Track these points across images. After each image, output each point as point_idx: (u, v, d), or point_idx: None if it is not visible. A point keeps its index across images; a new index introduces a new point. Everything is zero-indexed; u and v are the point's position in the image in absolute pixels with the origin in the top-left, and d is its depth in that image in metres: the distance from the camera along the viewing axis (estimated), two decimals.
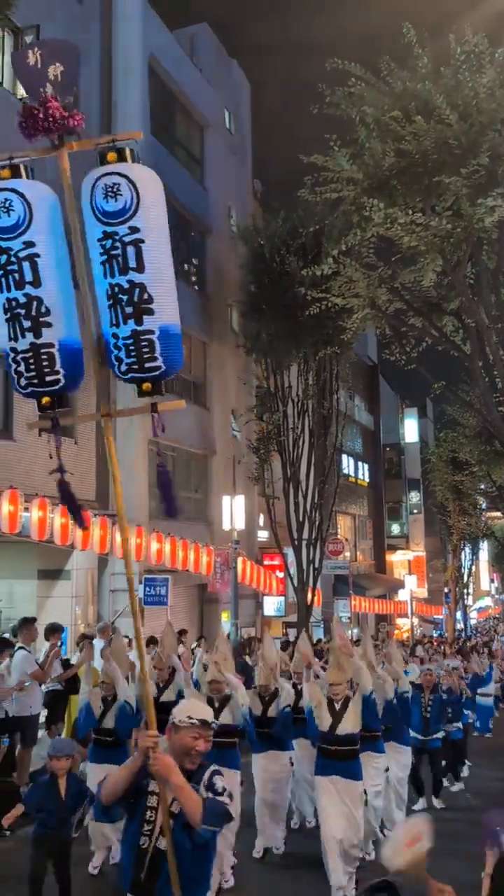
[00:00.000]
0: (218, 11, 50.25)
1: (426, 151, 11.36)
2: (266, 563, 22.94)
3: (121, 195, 3.43)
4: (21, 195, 3.47)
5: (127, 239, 3.43)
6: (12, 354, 3.56)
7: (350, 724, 6.77)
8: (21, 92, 15.20)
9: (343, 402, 23.98)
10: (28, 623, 9.89)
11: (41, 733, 9.71)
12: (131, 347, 3.49)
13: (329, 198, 12.96)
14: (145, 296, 3.44)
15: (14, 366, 3.58)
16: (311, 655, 8.17)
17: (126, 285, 3.45)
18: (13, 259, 3.48)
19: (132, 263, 3.43)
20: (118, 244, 3.44)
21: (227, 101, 24.15)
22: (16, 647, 9.38)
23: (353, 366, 26.14)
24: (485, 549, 55.14)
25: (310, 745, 7.86)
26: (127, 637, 12.65)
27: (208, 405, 21.49)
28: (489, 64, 11.28)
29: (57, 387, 3.61)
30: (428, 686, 10.31)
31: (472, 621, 49.56)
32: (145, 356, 3.48)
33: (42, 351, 3.53)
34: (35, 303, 3.50)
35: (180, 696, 7.90)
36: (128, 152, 3.53)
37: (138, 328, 3.46)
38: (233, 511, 18.58)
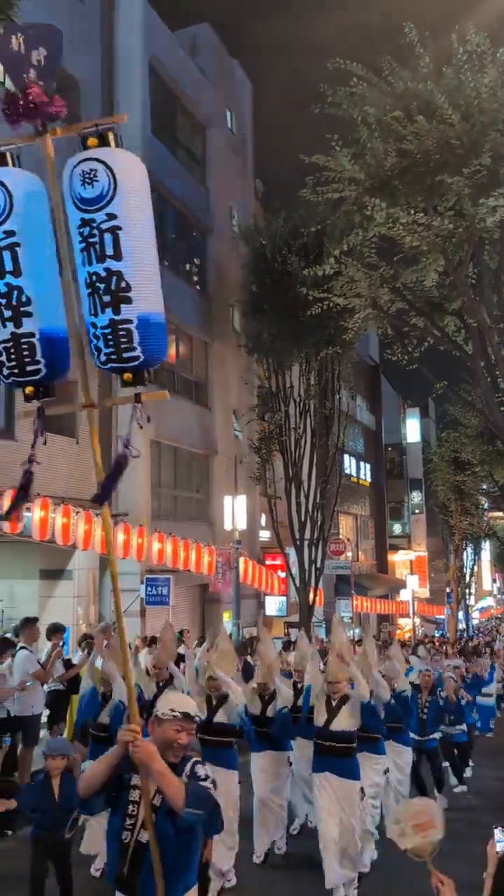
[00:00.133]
0: (219, 11, 50.28)
1: (428, 151, 11.35)
2: (268, 562, 22.95)
3: (97, 181, 3.35)
4: (1, 184, 3.43)
5: (104, 226, 3.35)
6: None
7: (344, 721, 6.75)
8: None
9: (345, 402, 23.97)
10: (30, 623, 9.89)
11: (43, 733, 9.72)
12: (109, 337, 3.41)
13: (331, 198, 12.95)
14: (123, 284, 3.36)
15: None
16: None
17: (103, 273, 3.37)
18: None
19: (109, 251, 3.36)
20: (95, 231, 3.37)
21: (229, 101, 24.16)
22: (18, 647, 9.39)
23: (355, 366, 26.16)
24: (487, 549, 55.15)
25: (307, 744, 7.86)
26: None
27: (210, 405, 21.50)
28: (491, 64, 11.26)
29: (38, 376, 3.57)
30: (426, 687, 10.29)
31: (474, 621, 49.53)
32: (123, 346, 3.40)
33: (22, 340, 3.50)
34: (16, 292, 3.46)
35: None
36: (111, 137, 3.43)
37: (116, 317, 3.38)
38: (234, 511, 18.59)
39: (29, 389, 3.61)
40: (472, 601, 47.58)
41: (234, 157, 24.43)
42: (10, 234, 3.43)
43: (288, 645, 15.37)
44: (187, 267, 21.91)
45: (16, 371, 3.55)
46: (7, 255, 3.45)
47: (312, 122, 13.99)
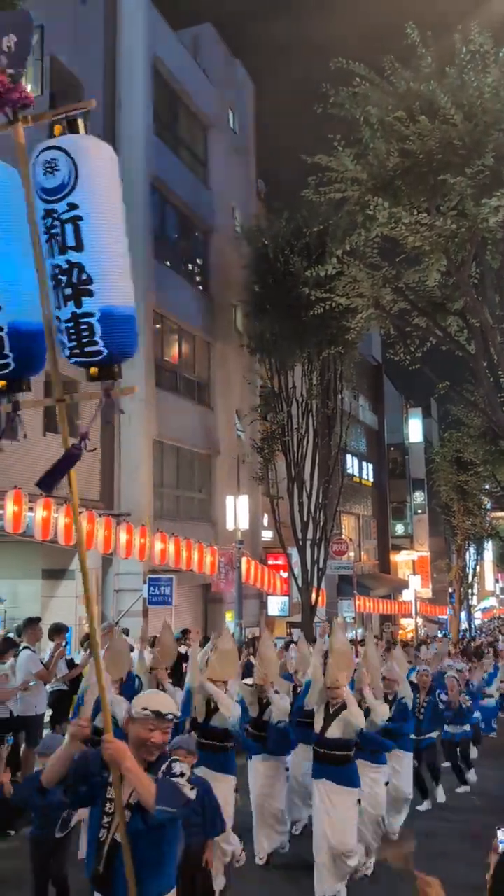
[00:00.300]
0: (221, 11, 50.29)
1: (431, 151, 11.35)
2: (270, 563, 22.94)
3: (58, 170, 3.25)
4: None
5: (65, 216, 3.25)
6: None
7: (339, 730, 6.67)
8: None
9: (347, 401, 23.96)
10: (32, 623, 9.90)
11: (46, 733, 9.72)
12: (72, 331, 3.31)
13: (333, 198, 12.95)
14: (83, 276, 3.25)
15: None
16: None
17: (65, 266, 3.27)
18: None
19: (70, 242, 3.26)
20: (57, 222, 3.27)
21: (231, 101, 24.15)
22: (20, 647, 9.39)
23: (358, 366, 26.13)
24: (489, 549, 55.11)
25: (305, 748, 7.81)
26: (127, 630, 12.69)
27: (212, 405, 21.51)
28: (494, 63, 11.26)
29: (7, 371, 3.51)
30: (424, 687, 10.24)
31: (477, 621, 49.49)
32: (84, 340, 3.30)
33: None
34: None
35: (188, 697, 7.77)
36: (80, 123, 3.34)
37: (77, 311, 3.28)
38: (237, 511, 18.59)
39: (1, 384, 3.57)
40: (474, 601, 47.51)
41: (237, 157, 24.43)
42: None
43: (289, 645, 15.36)
44: (190, 267, 21.92)
45: None
46: None
47: (315, 122, 13.99)
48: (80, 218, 3.25)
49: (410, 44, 11.68)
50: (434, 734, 10.34)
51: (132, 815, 3.27)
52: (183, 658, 10.44)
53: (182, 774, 3.36)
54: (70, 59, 16.11)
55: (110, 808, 3.33)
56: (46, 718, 9.88)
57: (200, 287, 22.02)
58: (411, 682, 9.69)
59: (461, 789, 11.07)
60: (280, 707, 7.60)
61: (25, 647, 9.37)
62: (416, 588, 35.75)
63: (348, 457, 33.05)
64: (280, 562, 22.67)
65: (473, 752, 12.35)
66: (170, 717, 3.45)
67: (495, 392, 13.87)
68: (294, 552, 21.20)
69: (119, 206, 3.39)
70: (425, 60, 11.64)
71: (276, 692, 7.76)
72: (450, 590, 40.81)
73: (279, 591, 22.54)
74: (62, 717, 10.18)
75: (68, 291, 3.28)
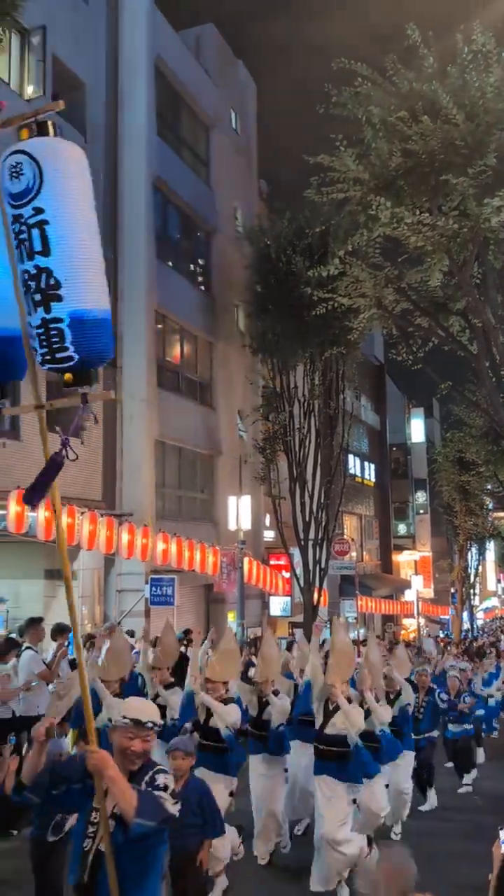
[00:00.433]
0: (223, 11, 50.28)
1: (433, 151, 11.35)
2: (272, 563, 22.95)
3: (23, 174, 3.20)
4: None
5: (31, 221, 3.21)
6: None
7: (339, 725, 6.68)
8: (28, 92, 15.30)
9: (349, 402, 23.97)
10: (35, 623, 9.90)
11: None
12: (42, 337, 3.26)
13: (335, 198, 12.95)
14: (51, 281, 3.20)
15: None
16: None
17: (33, 271, 3.22)
18: None
19: (38, 247, 3.21)
20: (24, 227, 3.22)
21: (233, 101, 24.16)
22: (23, 647, 9.39)
23: (360, 366, 26.09)
24: (491, 549, 55.06)
25: (305, 747, 7.78)
26: (133, 632, 12.69)
27: (214, 405, 21.52)
28: (496, 63, 11.26)
29: None
30: (423, 687, 10.19)
31: (479, 622, 49.47)
32: (55, 345, 3.24)
33: None
34: None
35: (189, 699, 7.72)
36: (50, 125, 3.31)
37: (46, 316, 3.23)
38: (239, 511, 18.59)
39: None
40: (476, 601, 47.52)
41: (239, 157, 24.44)
42: None
43: (291, 645, 15.37)
44: (192, 267, 21.94)
45: None
46: None
47: (317, 123, 14.00)
48: (45, 222, 3.20)
49: (412, 44, 11.68)
50: (434, 734, 10.32)
51: (115, 826, 3.23)
52: (185, 658, 10.44)
53: (165, 788, 3.30)
54: (72, 60, 16.13)
55: (95, 818, 3.30)
56: None
57: (202, 287, 22.03)
58: (411, 682, 9.69)
59: (462, 789, 11.07)
60: (280, 708, 7.57)
61: (28, 648, 9.37)
62: (419, 588, 35.78)
63: (350, 457, 33.04)
64: (282, 562, 22.68)
65: (480, 756, 12.19)
66: (149, 724, 3.41)
67: (497, 392, 13.86)
68: (296, 552, 21.20)
69: (89, 209, 3.34)
70: (427, 61, 11.63)
71: (277, 692, 7.73)
72: (452, 590, 40.85)
73: (281, 592, 22.55)
74: (64, 717, 10.18)
75: (37, 297, 3.24)
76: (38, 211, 3.20)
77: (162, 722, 3.74)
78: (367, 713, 7.25)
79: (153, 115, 18.90)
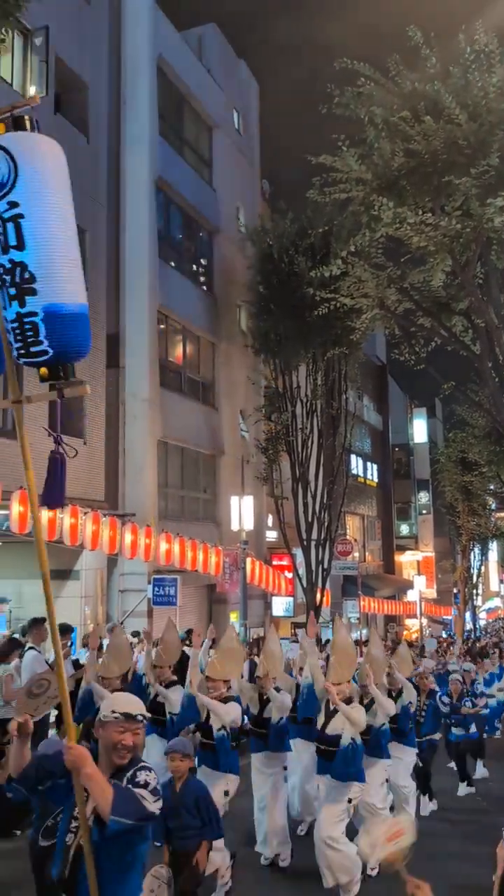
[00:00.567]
0: (226, 11, 50.32)
1: (435, 151, 11.34)
2: (275, 563, 22.95)
3: None
4: None
5: (6, 215, 3.21)
6: None
7: (340, 725, 6.66)
8: (31, 93, 15.29)
9: (352, 402, 23.99)
10: (38, 623, 9.90)
11: (51, 733, 9.72)
12: (17, 331, 3.27)
13: (338, 198, 12.95)
14: (26, 275, 3.20)
15: None
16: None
17: (8, 265, 3.23)
18: None
19: (12, 241, 3.21)
20: None
21: (236, 101, 24.17)
22: (25, 648, 9.40)
23: (362, 366, 26.11)
24: (494, 549, 54.99)
25: (306, 746, 7.79)
26: (138, 633, 12.69)
27: (217, 405, 21.52)
28: (499, 63, 11.26)
29: None
30: (424, 690, 10.10)
31: (482, 622, 49.42)
32: (29, 340, 3.25)
33: None
34: None
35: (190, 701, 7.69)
36: (26, 120, 3.30)
37: (21, 310, 3.23)
38: (241, 511, 18.59)
39: None
40: (479, 602, 47.45)
41: (241, 157, 24.44)
42: None
43: (293, 643, 15.37)
44: (194, 267, 21.94)
45: None
46: None
47: (319, 123, 14.00)
48: (20, 216, 3.20)
49: (414, 45, 11.68)
50: (436, 736, 10.28)
51: (94, 823, 3.23)
52: (187, 657, 10.44)
53: (146, 785, 3.28)
54: (74, 60, 16.13)
55: (78, 813, 3.30)
56: (51, 719, 9.88)
57: (205, 287, 22.03)
58: (412, 684, 9.66)
59: (464, 791, 11.04)
60: (280, 704, 7.53)
61: (31, 648, 9.37)
62: (421, 588, 35.76)
63: (353, 457, 33.03)
64: (285, 562, 22.67)
65: (483, 772, 12.06)
66: (140, 717, 3.42)
67: (500, 392, 13.84)
68: (299, 552, 21.20)
69: (66, 203, 3.34)
70: (430, 61, 11.63)
71: (278, 689, 7.71)
72: (454, 590, 40.83)
73: (284, 592, 22.54)
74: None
75: (12, 291, 3.25)
76: (13, 205, 3.20)
77: (149, 714, 3.76)
78: (369, 706, 7.24)
79: (155, 115, 18.90)
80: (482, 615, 51.16)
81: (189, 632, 13.95)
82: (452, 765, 11.69)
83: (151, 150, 18.54)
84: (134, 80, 18.51)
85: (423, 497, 47.23)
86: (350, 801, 6.74)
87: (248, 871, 7.05)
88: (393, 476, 44.01)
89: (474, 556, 40.26)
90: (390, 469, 43.54)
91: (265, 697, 7.58)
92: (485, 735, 13.65)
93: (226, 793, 6.66)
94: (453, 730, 11.40)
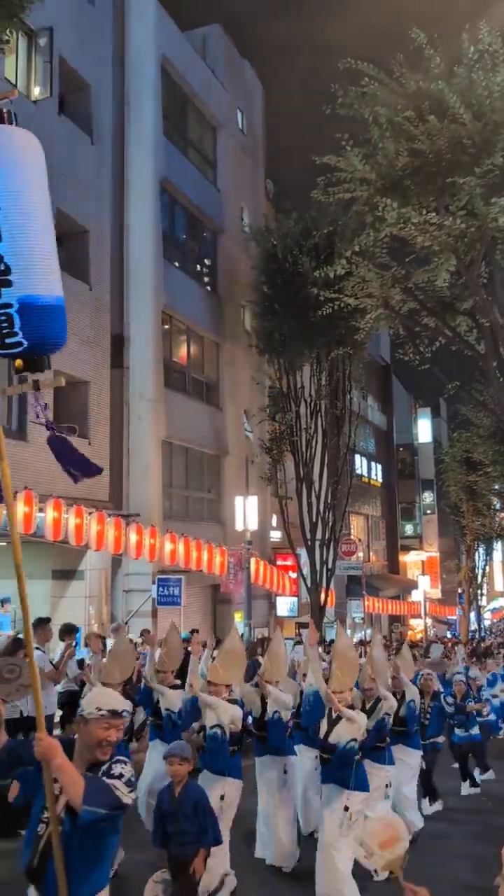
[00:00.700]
0: (229, 12, 50.33)
1: (440, 151, 11.33)
2: (279, 563, 22.95)
3: None
4: None
5: None
6: None
7: (343, 733, 6.52)
8: (35, 94, 15.32)
9: (356, 402, 23.93)
10: (42, 623, 9.92)
11: (56, 733, 9.74)
12: None
13: (342, 198, 12.93)
14: (2, 267, 3.23)
15: None
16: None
17: None
18: None
19: None
20: None
21: (240, 101, 24.18)
22: None
23: (366, 366, 26.10)
24: (499, 549, 54.84)
25: (304, 752, 7.78)
26: (148, 631, 12.70)
27: (221, 405, 21.53)
28: (503, 63, 11.23)
29: None
30: (427, 692, 10.01)
31: (486, 622, 49.32)
32: (4, 331, 3.27)
33: None
34: None
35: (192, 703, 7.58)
36: (3, 114, 3.32)
37: None
38: (246, 511, 18.60)
39: None
40: (483, 602, 47.35)
41: (245, 157, 24.45)
42: None
43: (297, 645, 15.36)
44: (198, 267, 21.95)
45: None
46: None
47: (323, 123, 13.99)
48: None
49: (418, 46, 11.66)
50: (440, 739, 10.24)
51: (66, 813, 3.25)
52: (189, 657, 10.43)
53: (120, 776, 3.31)
54: (78, 61, 16.15)
55: (48, 804, 3.33)
56: (56, 719, 9.90)
57: (209, 287, 22.05)
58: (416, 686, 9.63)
59: (467, 790, 11.02)
60: (278, 699, 7.45)
61: (35, 648, 9.37)
62: (426, 589, 35.68)
63: (357, 457, 33.02)
64: (289, 562, 22.66)
65: (489, 773, 12.01)
66: (125, 714, 3.49)
67: None
68: (303, 552, 21.18)
69: (42, 196, 3.36)
70: (434, 61, 11.61)
71: (281, 690, 7.68)
72: (459, 590, 40.66)
73: (288, 592, 22.55)
74: (72, 717, 10.19)
75: None
76: None
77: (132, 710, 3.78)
78: (373, 707, 7.21)
79: (160, 115, 18.92)
80: (487, 615, 51.07)
81: (193, 631, 13.95)
82: (457, 766, 11.67)
83: (156, 150, 18.56)
84: (138, 80, 18.54)
85: (428, 497, 47.15)
86: (346, 809, 6.60)
87: (252, 872, 7.04)
88: (397, 476, 43.97)
89: (479, 556, 40.12)
90: (395, 469, 43.50)
91: (266, 700, 7.51)
92: (490, 737, 13.64)
93: (222, 797, 6.54)
94: (456, 731, 11.38)
